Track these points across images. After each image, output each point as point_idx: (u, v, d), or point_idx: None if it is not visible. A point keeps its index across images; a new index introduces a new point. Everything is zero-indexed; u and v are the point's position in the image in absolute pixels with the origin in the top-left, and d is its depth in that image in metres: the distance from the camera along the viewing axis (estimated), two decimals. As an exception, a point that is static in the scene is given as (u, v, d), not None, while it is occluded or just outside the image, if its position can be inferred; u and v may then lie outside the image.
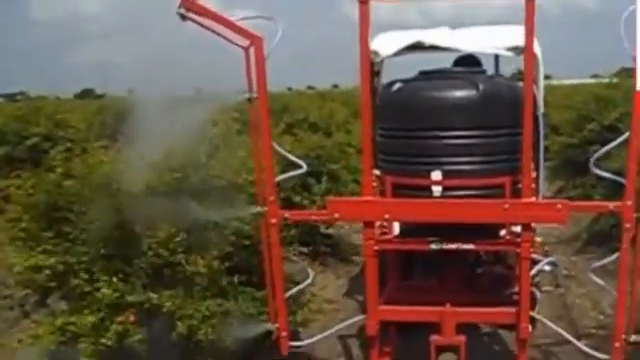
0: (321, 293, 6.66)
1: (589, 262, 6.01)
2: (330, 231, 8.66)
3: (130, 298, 4.59)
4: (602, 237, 7.34)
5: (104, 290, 4.56)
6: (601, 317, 6.30)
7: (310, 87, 30.39)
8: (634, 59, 3.81)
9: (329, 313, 6.51)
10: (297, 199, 7.81)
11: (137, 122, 4.40)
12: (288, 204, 6.97)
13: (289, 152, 4.87)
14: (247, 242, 4.95)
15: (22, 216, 4.96)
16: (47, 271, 4.70)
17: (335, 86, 28.56)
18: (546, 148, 5.75)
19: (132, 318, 4.61)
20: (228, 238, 4.81)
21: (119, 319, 4.58)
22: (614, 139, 4.15)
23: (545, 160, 5.53)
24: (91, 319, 4.55)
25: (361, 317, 4.54)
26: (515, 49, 4.63)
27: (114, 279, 4.61)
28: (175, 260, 4.68)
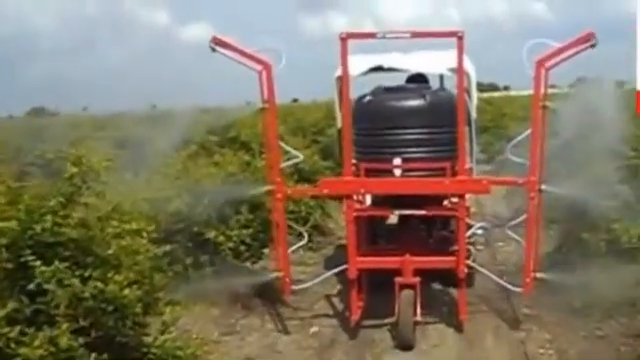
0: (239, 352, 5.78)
1: (551, 298, 6.21)
2: (256, 266, 7.23)
3: None
4: (562, 260, 6.53)
5: None
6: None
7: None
8: (534, 80, 5.51)
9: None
10: (211, 235, 6.51)
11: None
12: (200, 240, 6.40)
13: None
14: (111, 307, 3.86)
15: None
16: None
17: (295, 100, 29.90)
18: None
19: None
20: (85, 304, 3.77)
21: None
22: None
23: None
24: None
25: (344, 266, 6.14)
26: (453, 70, 6.29)
27: None
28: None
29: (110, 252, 4.07)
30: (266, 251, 7.31)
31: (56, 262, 3.74)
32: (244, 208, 6.89)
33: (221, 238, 6.58)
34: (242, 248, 6.83)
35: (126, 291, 3.90)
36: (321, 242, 9.55)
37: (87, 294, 3.77)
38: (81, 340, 3.68)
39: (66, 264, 3.81)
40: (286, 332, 6.21)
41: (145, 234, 4.40)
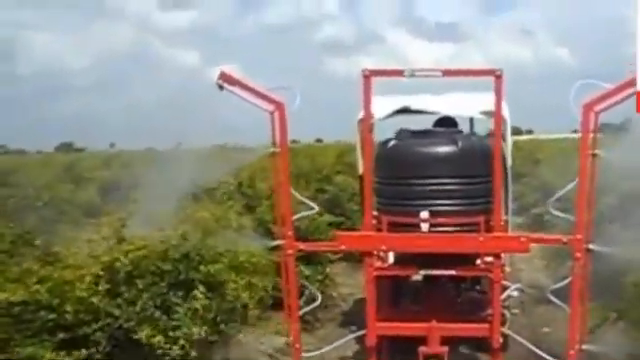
0: None
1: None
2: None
3: None
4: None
5: None
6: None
7: (294, 141, 30.16)
8: (581, 125, 4.85)
9: None
10: (143, 334, 4.64)
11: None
12: (131, 344, 4.66)
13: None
14: None
15: None
16: None
17: (319, 140, 29.40)
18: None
19: None
20: None
21: None
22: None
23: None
24: None
25: (363, 332, 5.46)
26: (487, 113, 5.67)
27: None
28: None
29: None
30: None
31: None
32: (198, 291, 5.06)
33: (158, 338, 4.60)
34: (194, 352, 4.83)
35: None
36: (320, 319, 7.63)
37: None
38: None
39: None
40: None
41: None
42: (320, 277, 7.78)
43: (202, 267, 5.19)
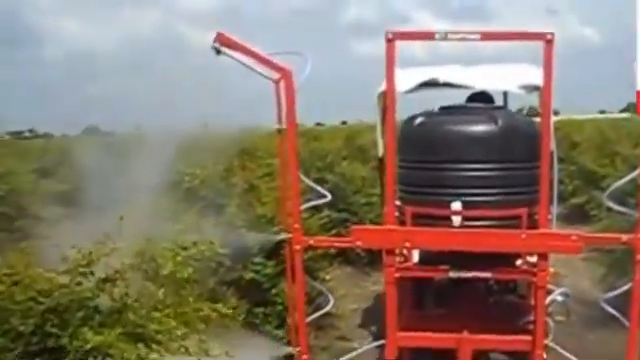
0: None
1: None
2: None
3: None
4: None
5: None
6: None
7: (319, 124, 28.39)
8: None
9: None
10: None
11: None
12: None
13: None
14: None
15: None
16: None
17: (344, 122, 28.30)
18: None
19: None
20: None
21: None
22: None
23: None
24: None
25: (381, 342, 4.68)
26: (526, 87, 4.83)
27: None
28: None
29: None
30: None
31: None
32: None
33: None
34: None
35: None
36: (312, 348, 5.40)
37: None
38: None
39: None
40: None
41: None
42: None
43: (86, 330, 3.43)
